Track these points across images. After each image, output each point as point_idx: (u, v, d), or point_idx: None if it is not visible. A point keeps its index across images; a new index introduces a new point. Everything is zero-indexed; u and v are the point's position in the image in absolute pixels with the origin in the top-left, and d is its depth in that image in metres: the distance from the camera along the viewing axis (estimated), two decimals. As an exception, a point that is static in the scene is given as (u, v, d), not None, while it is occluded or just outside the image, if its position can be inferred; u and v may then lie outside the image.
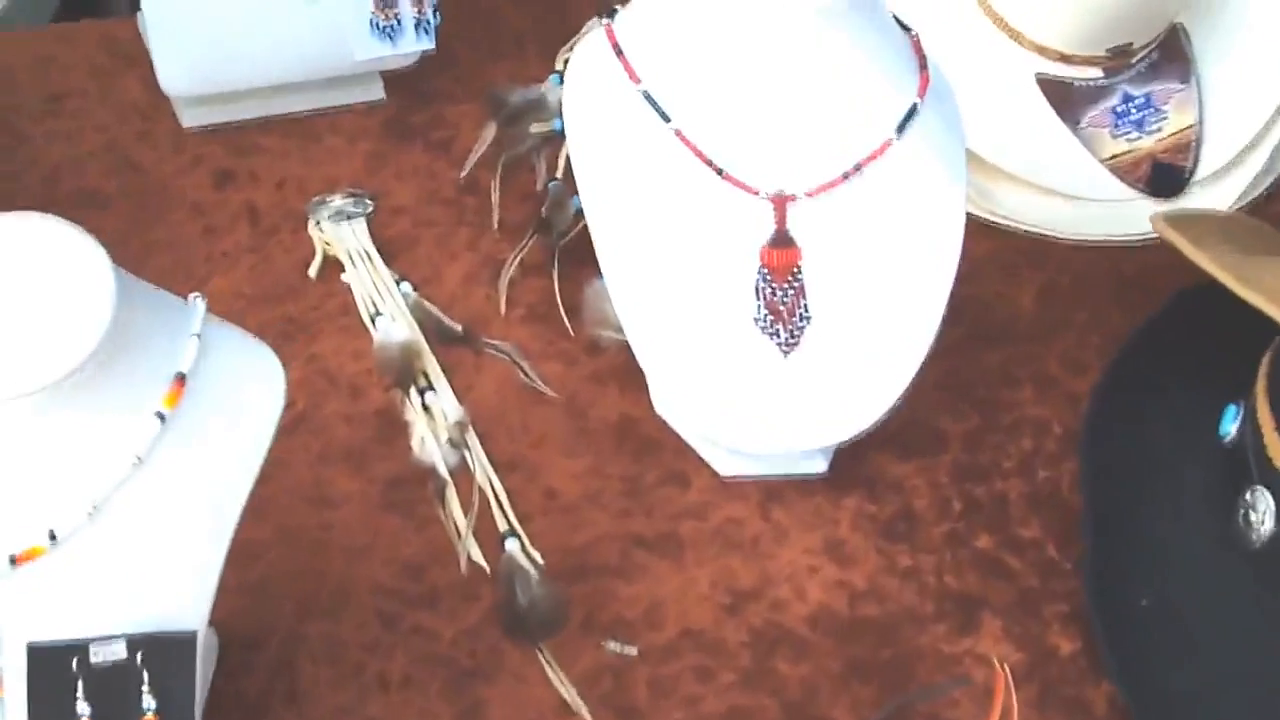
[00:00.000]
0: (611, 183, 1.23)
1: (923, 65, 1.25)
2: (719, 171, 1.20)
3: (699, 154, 1.20)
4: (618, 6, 1.28)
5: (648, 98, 1.21)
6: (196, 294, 1.04)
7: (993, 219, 1.51)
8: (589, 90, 1.25)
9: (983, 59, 1.55)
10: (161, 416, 0.98)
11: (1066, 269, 1.50)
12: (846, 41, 1.18)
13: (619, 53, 1.23)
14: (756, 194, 1.20)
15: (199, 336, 1.01)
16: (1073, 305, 1.47)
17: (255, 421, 1.03)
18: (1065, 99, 1.55)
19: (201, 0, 1.49)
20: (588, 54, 1.26)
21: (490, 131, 1.53)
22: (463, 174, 1.55)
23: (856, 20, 1.19)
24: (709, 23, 1.19)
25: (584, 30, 1.69)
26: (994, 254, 1.49)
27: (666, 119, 1.20)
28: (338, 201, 1.51)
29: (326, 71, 1.57)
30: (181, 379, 0.99)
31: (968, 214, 1.26)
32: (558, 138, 1.46)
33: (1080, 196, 1.54)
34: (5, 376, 0.92)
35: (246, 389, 1.03)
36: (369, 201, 1.52)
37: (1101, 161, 1.54)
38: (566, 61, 1.62)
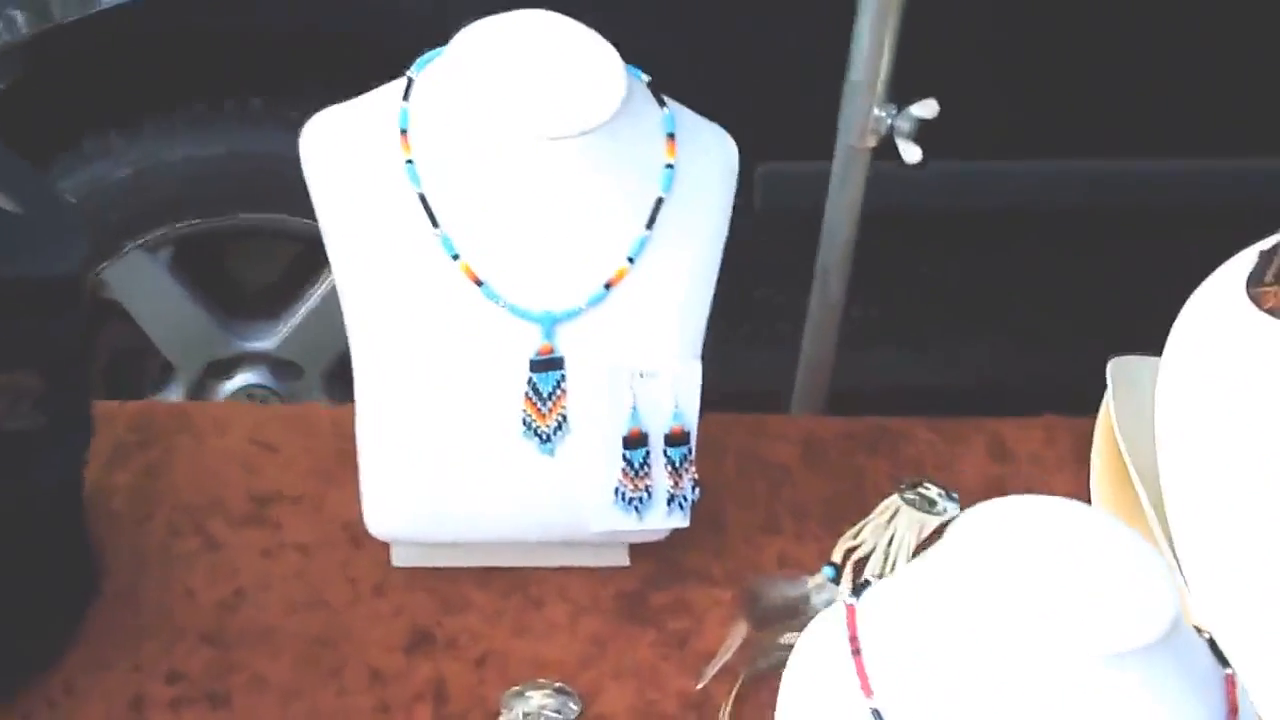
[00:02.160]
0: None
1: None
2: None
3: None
4: (870, 579, 1.04)
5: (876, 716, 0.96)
6: None
7: None
8: (816, 668, 1.01)
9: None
10: None
11: None
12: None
13: (856, 651, 0.98)
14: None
15: None
16: None
17: None
18: None
19: (423, 438, 1.29)
20: (821, 632, 1.02)
21: (739, 634, 1.32)
22: (699, 685, 1.31)
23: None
24: (954, 642, 0.94)
25: (878, 510, 1.47)
26: None
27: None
28: (538, 699, 1.28)
29: (557, 536, 1.35)
30: None
31: None
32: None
33: None
34: None
35: None
36: (574, 705, 1.28)
37: None
38: (846, 552, 1.40)
